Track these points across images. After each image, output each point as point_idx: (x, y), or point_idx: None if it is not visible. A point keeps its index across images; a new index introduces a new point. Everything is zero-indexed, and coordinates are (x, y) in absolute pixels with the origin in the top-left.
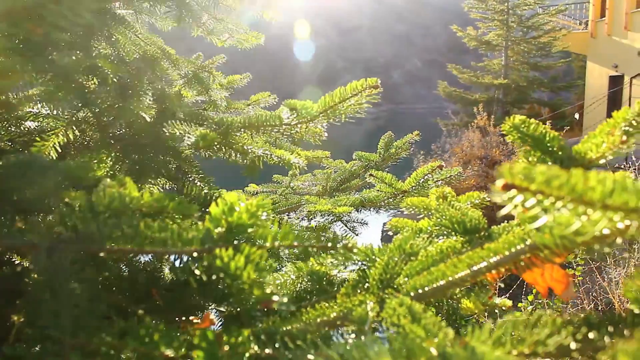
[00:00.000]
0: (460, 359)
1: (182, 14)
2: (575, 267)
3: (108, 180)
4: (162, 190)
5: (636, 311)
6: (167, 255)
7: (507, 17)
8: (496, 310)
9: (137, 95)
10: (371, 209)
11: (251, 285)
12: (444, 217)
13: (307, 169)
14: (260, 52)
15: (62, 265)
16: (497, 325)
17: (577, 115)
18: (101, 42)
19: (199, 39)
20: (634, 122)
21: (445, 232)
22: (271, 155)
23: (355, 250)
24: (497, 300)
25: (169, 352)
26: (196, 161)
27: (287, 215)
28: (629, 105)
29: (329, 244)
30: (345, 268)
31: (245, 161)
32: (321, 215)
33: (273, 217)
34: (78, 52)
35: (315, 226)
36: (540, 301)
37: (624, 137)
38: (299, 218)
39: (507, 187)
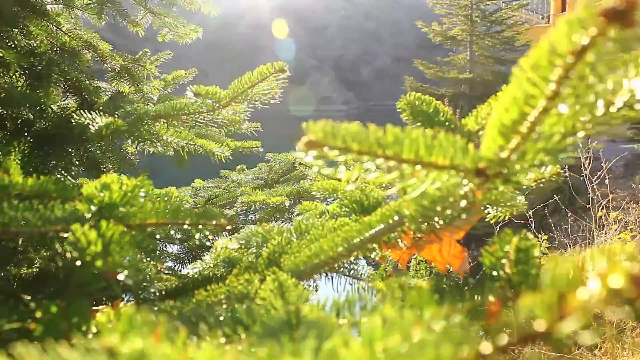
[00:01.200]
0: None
1: (103, 7)
2: None
3: None
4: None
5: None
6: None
7: (470, 12)
8: None
9: (46, 86)
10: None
11: (94, 258)
12: (345, 197)
13: (234, 161)
14: (229, 52)
15: None
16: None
17: None
18: (13, 33)
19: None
20: None
21: (345, 212)
22: (195, 145)
23: (228, 228)
24: (413, 282)
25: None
26: (111, 152)
27: (228, 208)
28: None
29: (204, 221)
30: (248, 250)
31: (162, 150)
32: (257, 208)
33: (188, 203)
34: None
35: (258, 218)
36: None
37: None
38: (237, 211)
39: (311, 145)
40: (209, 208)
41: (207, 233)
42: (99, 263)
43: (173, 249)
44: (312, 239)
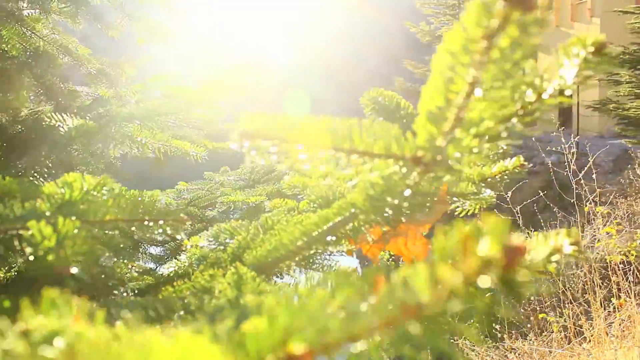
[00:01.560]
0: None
1: (77, 11)
2: None
3: None
4: None
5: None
6: None
7: (458, 12)
8: None
9: (18, 89)
10: None
11: (47, 252)
12: (312, 193)
13: (221, 162)
14: (220, 57)
15: None
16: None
17: None
18: None
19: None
20: None
21: (313, 208)
22: (170, 146)
23: (189, 224)
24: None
25: None
26: (90, 155)
27: (211, 209)
28: (577, 95)
29: (163, 217)
30: (217, 246)
31: (138, 153)
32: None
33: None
34: None
35: (238, 217)
36: None
37: None
38: (218, 212)
39: (245, 136)
40: (179, 207)
41: (168, 229)
42: (50, 257)
43: (157, 250)
44: (276, 234)
